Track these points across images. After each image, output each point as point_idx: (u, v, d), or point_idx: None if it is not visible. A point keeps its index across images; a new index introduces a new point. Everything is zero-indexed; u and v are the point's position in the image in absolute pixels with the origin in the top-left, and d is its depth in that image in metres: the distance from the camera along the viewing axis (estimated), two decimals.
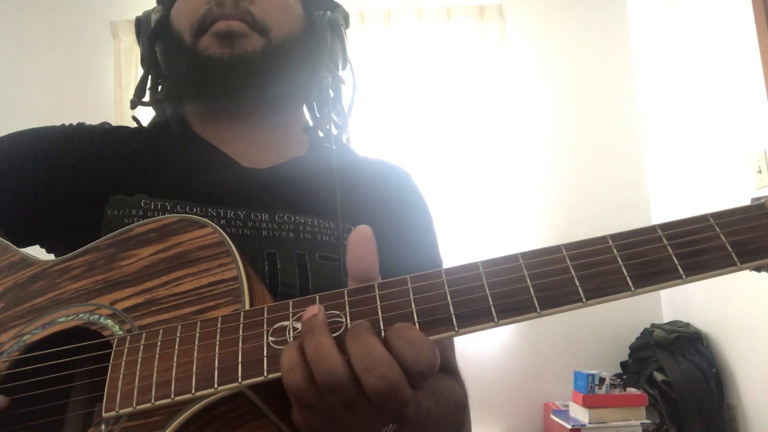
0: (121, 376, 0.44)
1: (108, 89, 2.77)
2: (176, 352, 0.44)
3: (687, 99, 2.43)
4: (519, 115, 2.77)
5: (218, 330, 0.44)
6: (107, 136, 0.73)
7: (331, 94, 0.80)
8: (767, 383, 2.01)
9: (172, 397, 0.42)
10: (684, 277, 0.40)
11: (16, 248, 0.59)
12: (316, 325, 0.40)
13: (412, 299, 0.42)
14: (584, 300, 0.40)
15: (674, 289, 0.43)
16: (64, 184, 0.68)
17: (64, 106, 2.70)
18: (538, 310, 0.40)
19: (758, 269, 0.40)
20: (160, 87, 0.79)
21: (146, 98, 0.79)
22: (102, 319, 0.49)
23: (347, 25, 0.78)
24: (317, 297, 0.44)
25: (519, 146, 2.74)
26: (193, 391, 0.42)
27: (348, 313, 0.42)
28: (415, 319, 0.41)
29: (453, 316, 0.41)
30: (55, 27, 2.89)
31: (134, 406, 0.43)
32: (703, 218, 0.42)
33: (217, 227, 0.51)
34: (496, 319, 0.40)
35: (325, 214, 0.69)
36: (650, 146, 2.74)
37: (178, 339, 0.44)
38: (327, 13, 0.75)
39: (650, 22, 2.73)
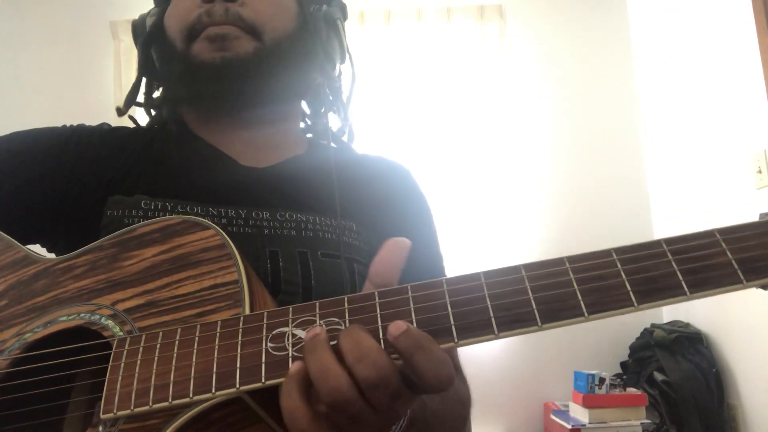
0: (120, 377, 0.44)
1: (108, 89, 2.77)
2: (175, 355, 0.44)
3: (687, 99, 2.43)
4: (519, 115, 2.77)
5: (217, 334, 0.44)
6: (106, 136, 0.73)
7: (328, 91, 0.80)
8: (767, 383, 2.01)
9: (170, 400, 0.42)
10: (688, 293, 0.39)
11: (20, 245, 0.59)
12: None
13: (412, 308, 0.42)
14: (586, 314, 0.39)
15: None
16: (64, 185, 0.68)
17: (64, 106, 2.70)
18: (540, 323, 0.40)
19: (765, 287, 0.40)
20: (160, 90, 0.79)
21: (141, 100, 0.78)
22: (103, 320, 0.49)
23: (345, 18, 0.77)
24: (317, 304, 0.44)
25: (519, 146, 2.74)
26: (191, 396, 0.41)
27: (347, 321, 0.42)
28: None
29: (453, 327, 0.41)
30: (55, 27, 2.89)
31: (132, 408, 0.42)
32: (710, 234, 0.41)
33: (220, 230, 0.51)
34: (496, 332, 0.40)
35: (326, 212, 0.69)
36: (650, 146, 2.74)
37: (177, 342, 0.44)
38: (323, 7, 0.75)
39: (650, 22, 2.73)
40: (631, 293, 0.40)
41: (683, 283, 0.39)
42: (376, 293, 0.43)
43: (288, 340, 0.42)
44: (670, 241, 0.41)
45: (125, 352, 0.46)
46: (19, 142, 0.71)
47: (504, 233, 2.64)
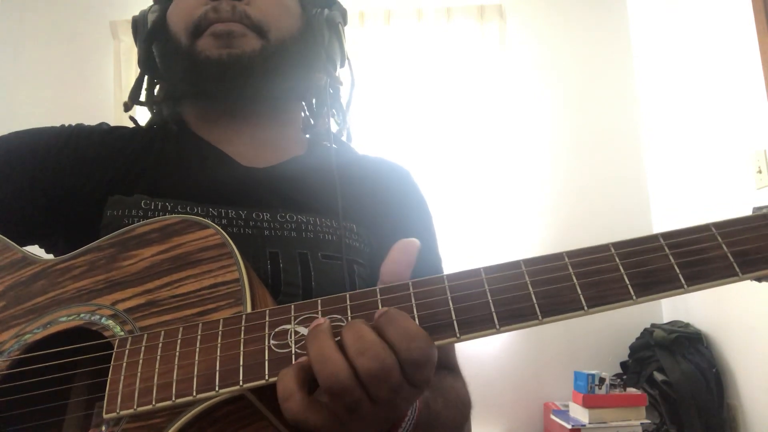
0: (122, 377, 0.44)
1: (108, 89, 2.77)
2: (177, 354, 0.44)
3: (687, 99, 2.43)
4: (519, 115, 2.77)
5: (220, 332, 0.44)
6: (106, 136, 0.73)
7: (330, 92, 0.80)
8: (767, 383, 2.01)
9: (173, 399, 0.42)
10: (686, 286, 0.40)
11: (18, 246, 0.59)
12: (320, 331, 0.40)
13: (414, 305, 0.42)
14: (586, 308, 0.40)
15: None
16: (63, 185, 0.68)
17: (64, 106, 2.70)
18: (540, 317, 0.40)
19: (759, 279, 0.41)
20: (158, 87, 0.79)
21: (143, 98, 0.78)
22: (103, 320, 0.49)
23: (345, 23, 0.78)
24: (319, 301, 0.44)
25: (519, 146, 2.74)
26: (194, 394, 0.42)
27: (349, 318, 0.43)
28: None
29: (455, 323, 0.41)
30: (56, 27, 2.89)
31: (135, 407, 0.42)
32: (706, 228, 0.42)
33: (219, 228, 0.51)
34: (497, 326, 0.41)
35: (326, 213, 0.69)
36: (650, 146, 2.74)
37: (179, 341, 0.44)
38: (324, 11, 0.75)
39: (650, 22, 2.73)
40: (629, 287, 0.40)
41: (680, 276, 0.40)
42: (378, 290, 0.44)
43: (291, 338, 0.42)
44: (667, 236, 0.42)
45: (127, 351, 0.46)
46: (18, 142, 0.71)
47: (504, 233, 2.64)
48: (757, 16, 1.98)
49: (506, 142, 2.71)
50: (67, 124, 0.74)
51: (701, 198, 2.33)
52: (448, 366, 0.72)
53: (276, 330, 0.43)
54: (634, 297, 0.40)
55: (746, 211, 0.44)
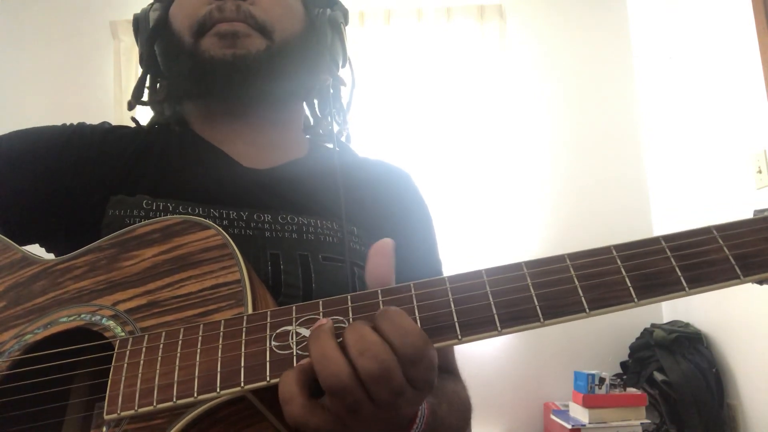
0: (123, 378, 0.44)
1: (108, 89, 2.77)
2: (179, 355, 0.44)
3: (687, 99, 2.43)
4: (519, 115, 2.77)
5: (221, 333, 0.44)
6: (108, 136, 0.73)
7: (331, 92, 0.80)
8: (767, 383, 2.01)
9: (174, 400, 0.42)
10: (687, 289, 0.40)
11: (18, 246, 0.59)
12: (322, 331, 0.40)
13: (415, 306, 0.42)
14: (587, 310, 0.40)
15: None
16: (65, 184, 0.68)
17: (64, 106, 2.70)
18: (542, 319, 0.40)
19: (761, 282, 0.41)
20: (159, 86, 0.79)
21: (145, 98, 0.78)
22: (104, 320, 0.49)
23: (346, 23, 0.78)
24: (321, 302, 0.44)
25: (519, 146, 2.74)
26: (195, 395, 0.41)
27: (351, 319, 0.43)
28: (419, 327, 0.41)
29: (456, 325, 0.41)
30: (55, 27, 2.89)
31: (136, 408, 0.42)
32: (707, 230, 0.42)
33: (220, 229, 0.51)
34: (499, 328, 0.41)
35: (327, 216, 0.69)
36: (650, 146, 2.74)
37: (180, 342, 0.44)
38: (327, 11, 0.75)
39: (650, 22, 2.73)
40: (631, 289, 0.40)
41: (682, 279, 0.40)
42: (380, 292, 0.44)
43: (292, 339, 0.42)
44: (668, 238, 0.42)
45: (128, 352, 0.45)
46: (20, 141, 0.71)
47: (504, 233, 2.64)
48: (757, 16, 1.98)
49: (506, 142, 2.71)
50: (68, 124, 0.74)
51: (701, 198, 2.33)
52: (448, 369, 0.72)
53: (277, 331, 0.43)
54: (636, 299, 0.40)
55: (746, 211, 0.44)
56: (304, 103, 0.83)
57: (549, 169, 2.76)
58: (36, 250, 0.62)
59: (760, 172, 1.99)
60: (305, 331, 0.42)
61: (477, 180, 2.69)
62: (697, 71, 2.35)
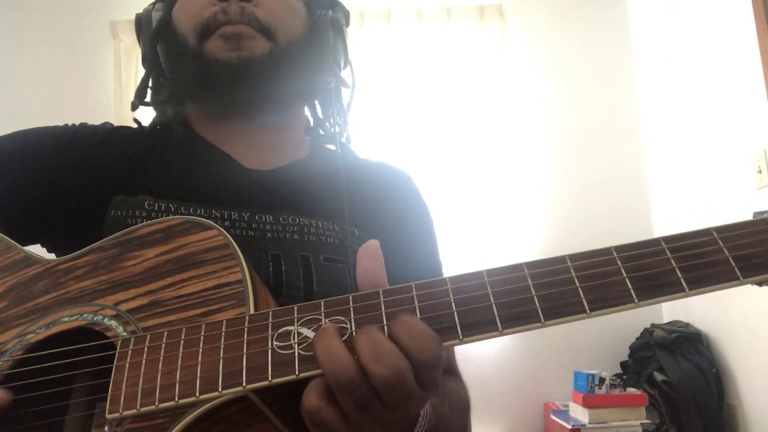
0: (125, 377, 0.44)
1: (108, 89, 2.77)
2: (180, 354, 0.44)
3: (687, 99, 2.44)
4: (519, 115, 2.77)
5: (223, 333, 0.44)
6: (110, 136, 0.73)
7: (333, 94, 0.80)
8: (767, 383, 2.02)
9: (176, 399, 0.42)
10: (687, 290, 0.40)
11: (20, 246, 0.59)
12: (327, 330, 0.40)
13: (416, 307, 0.42)
14: (588, 311, 0.40)
15: None
16: (67, 184, 0.68)
17: (64, 106, 2.70)
18: (543, 320, 0.41)
19: (760, 284, 0.41)
20: (161, 87, 0.79)
21: (148, 98, 0.78)
22: (106, 320, 0.49)
23: (348, 24, 0.78)
24: (322, 303, 0.44)
25: (519, 146, 2.74)
26: (197, 395, 0.42)
27: (353, 320, 0.43)
28: None
29: (458, 325, 0.41)
30: (55, 27, 2.89)
31: (138, 408, 0.42)
32: (707, 232, 0.42)
33: (222, 230, 0.51)
34: (500, 329, 0.41)
35: (328, 217, 0.69)
36: (650, 146, 2.74)
37: (182, 342, 0.44)
38: (329, 12, 0.75)
39: (650, 22, 2.73)
40: (631, 290, 0.40)
41: (682, 280, 0.40)
42: (381, 292, 0.44)
43: (294, 339, 0.42)
44: (668, 239, 0.42)
45: (130, 352, 0.46)
46: (21, 141, 0.71)
47: (504, 233, 2.64)
48: (757, 17, 1.98)
49: (506, 142, 2.71)
50: (70, 124, 0.74)
51: (701, 198, 2.34)
52: (449, 369, 0.72)
53: (279, 331, 0.43)
54: (636, 300, 0.40)
55: (746, 211, 0.45)
56: (306, 105, 0.83)
57: (549, 169, 2.76)
58: (38, 250, 0.62)
59: (760, 172, 1.99)
60: (307, 331, 0.43)
61: (477, 180, 2.69)
62: (697, 71, 2.35)
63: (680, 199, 2.50)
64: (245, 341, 0.43)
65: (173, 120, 0.76)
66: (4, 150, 0.70)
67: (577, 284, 0.41)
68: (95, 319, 0.50)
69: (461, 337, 0.41)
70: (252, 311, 0.46)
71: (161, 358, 0.44)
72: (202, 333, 0.44)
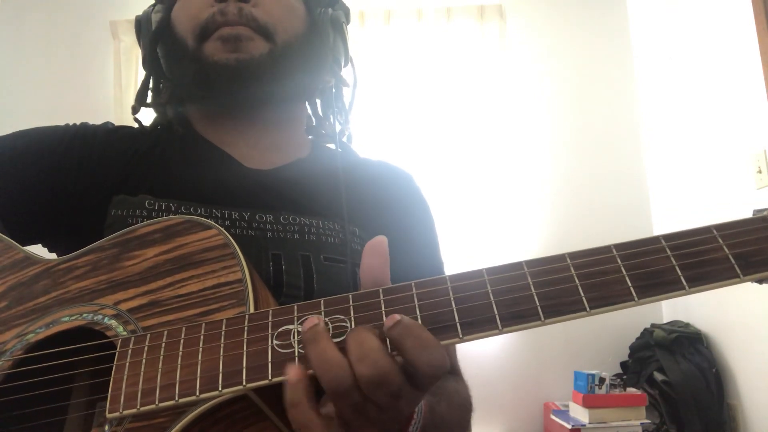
0: (125, 377, 0.44)
1: (108, 89, 2.77)
2: (180, 354, 0.44)
3: (687, 99, 2.44)
4: (519, 115, 2.77)
5: (223, 333, 0.44)
6: (110, 136, 0.73)
7: (333, 91, 0.80)
8: (767, 383, 2.02)
9: (176, 399, 0.42)
10: (687, 288, 0.40)
11: (20, 246, 0.59)
12: (318, 333, 0.40)
13: (416, 305, 0.42)
14: (588, 309, 0.40)
15: None
16: (67, 184, 0.68)
17: (64, 106, 2.70)
18: (542, 318, 0.40)
19: (760, 281, 0.41)
20: (162, 88, 0.79)
21: (149, 100, 0.78)
22: (106, 320, 0.49)
23: (348, 22, 0.78)
24: (322, 301, 0.44)
25: (519, 146, 2.74)
26: (198, 394, 0.42)
27: (352, 318, 0.43)
28: None
29: (458, 324, 0.41)
30: (55, 27, 2.89)
31: (138, 407, 0.43)
32: (707, 230, 0.42)
33: (222, 229, 0.51)
34: (500, 327, 0.41)
35: (329, 216, 0.69)
36: (650, 146, 2.74)
37: (182, 341, 0.44)
38: (328, 10, 0.75)
39: (650, 22, 2.73)
40: (631, 288, 0.40)
41: (682, 277, 0.40)
42: (381, 291, 0.44)
43: (294, 338, 0.42)
44: (668, 237, 0.42)
45: (130, 351, 0.46)
46: (23, 141, 0.71)
47: (504, 233, 2.64)
48: (757, 17, 1.98)
49: (506, 142, 2.71)
50: (71, 124, 0.74)
51: (701, 198, 2.34)
52: (451, 368, 0.72)
53: (279, 330, 0.43)
54: (636, 298, 0.40)
55: (746, 211, 0.45)
56: (307, 103, 0.83)
57: (549, 169, 2.76)
58: (38, 250, 0.62)
59: (760, 172, 1.99)
60: None
61: (477, 180, 2.69)
62: (697, 71, 2.35)
63: (680, 199, 2.50)
64: (245, 340, 0.43)
65: (174, 120, 0.76)
66: (5, 150, 0.69)
67: (577, 282, 0.41)
68: (95, 318, 0.50)
69: (461, 336, 0.41)
70: (252, 310, 0.46)
71: (161, 357, 0.44)
72: (202, 332, 0.44)
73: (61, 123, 0.75)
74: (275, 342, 0.42)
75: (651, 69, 2.72)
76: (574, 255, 0.43)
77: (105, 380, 0.45)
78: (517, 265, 0.43)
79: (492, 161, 2.70)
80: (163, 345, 0.45)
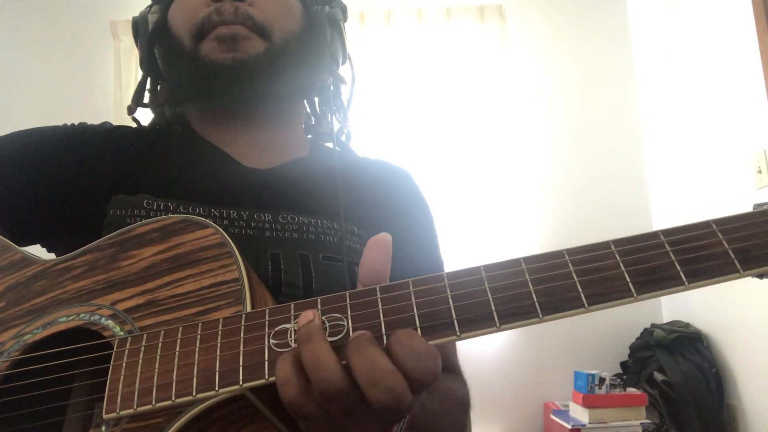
0: (122, 377, 0.44)
1: (108, 89, 2.78)
2: (177, 354, 0.44)
3: (687, 99, 2.43)
4: (519, 115, 2.77)
5: (219, 332, 0.44)
6: (109, 135, 0.73)
7: (331, 89, 0.80)
8: (767, 383, 2.01)
9: (173, 399, 0.42)
10: (686, 283, 0.39)
11: (17, 247, 0.59)
12: (313, 332, 0.39)
13: (414, 303, 0.42)
14: (586, 306, 0.40)
15: None
16: (66, 184, 0.68)
17: (64, 106, 2.70)
18: (540, 315, 0.40)
19: (760, 276, 0.40)
20: (159, 89, 0.79)
21: (146, 100, 0.78)
22: (103, 320, 0.49)
23: (345, 19, 0.77)
24: (319, 300, 0.44)
25: (519, 146, 2.74)
26: (194, 394, 0.41)
27: (349, 316, 0.42)
28: (417, 324, 0.41)
29: (455, 321, 0.41)
30: (55, 27, 2.90)
31: (135, 407, 0.42)
32: (706, 224, 0.41)
33: (219, 228, 0.51)
34: (498, 324, 0.40)
35: (328, 215, 0.69)
36: (650, 146, 2.74)
37: (179, 341, 0.44)
38: (326, 8, 0.75)
39: (650, 22, 2.73)
40: (630, 284, 0.40)
41: (681, 273, 0.40)
42: (378, 288, 0.43)
43: (290, 337, 0.42)
44: (667, 233, 0.42)
45: (126, 351, 0.45)
46: (22, 141, 0.71)
47: (504, 232, 2.64)
48: (757, 17, 1.98)
49: (506, 142, 2.71)
50: (69, 124, 0.74)
51: (701, 198, 2.33)
52: (449, 367, 0.72)
53: (276, 329, 0.43)
54: (635, 294, 0.40)
55: (746, 211, 0.44)
56: (305, 102, 0.83)
57: (549, 169, 2.76)
58: (38, 250, 0.62)
59: (760, 172, 1.99)
60: None
61: (477, 179, 2.69)
62: (697, 71, 2.35)
63: (680, 199, 2.50)
64: (242, 339, 0.43)
65: (172, 120, 0.76)
66: (3, 150, 0.69)
67: (575, 279, 0.41)
68: (92, 318, 0.50)
69: (458, 333, 0.40)
70: (248, 309, 0.45)
71: (158, 357, 0.44)
72: (199, 332, 0.44)
73: (61, 123, 0.75)
74: (272, 341, 0.42)
75: (651, 69, 2.72)
76: (572, 251, 0.42)
77: (103, 381, 0.45)
78: (515, 262, 0.43)
79: (492, 161, 2.70)
80: (160, 345, 0.45)
